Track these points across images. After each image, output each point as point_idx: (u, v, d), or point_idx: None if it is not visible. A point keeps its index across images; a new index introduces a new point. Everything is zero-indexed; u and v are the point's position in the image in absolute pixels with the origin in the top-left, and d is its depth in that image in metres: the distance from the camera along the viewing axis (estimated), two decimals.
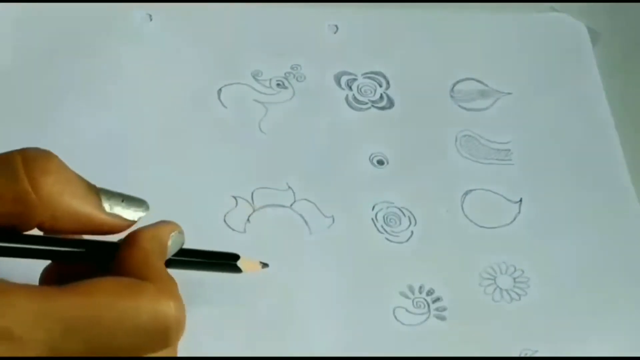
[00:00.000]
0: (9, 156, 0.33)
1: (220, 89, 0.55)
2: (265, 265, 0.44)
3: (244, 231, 0.49)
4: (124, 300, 0.32)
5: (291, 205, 0.51)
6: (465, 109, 0.56)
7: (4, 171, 0.33)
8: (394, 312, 0.47)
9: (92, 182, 0.43)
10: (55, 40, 0.56)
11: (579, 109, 0.56)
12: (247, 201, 0.50)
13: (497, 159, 0.54)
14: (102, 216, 0.36)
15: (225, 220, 0.49)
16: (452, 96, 0.56)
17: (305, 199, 0.51)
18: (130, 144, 0.52)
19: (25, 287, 0.30)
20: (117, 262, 0.35)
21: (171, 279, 0.35)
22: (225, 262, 0.43)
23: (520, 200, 0.52)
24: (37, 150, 0.34)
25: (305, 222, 0.50)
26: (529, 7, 0.61)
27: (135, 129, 0.53)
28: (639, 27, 0.61)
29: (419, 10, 0.60)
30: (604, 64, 0.59)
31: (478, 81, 0.57)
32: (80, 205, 0.35)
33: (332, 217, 0.50)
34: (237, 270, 0.43)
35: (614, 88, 0.57)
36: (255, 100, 0.55)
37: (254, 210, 0.50)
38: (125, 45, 0.56)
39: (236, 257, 0.43)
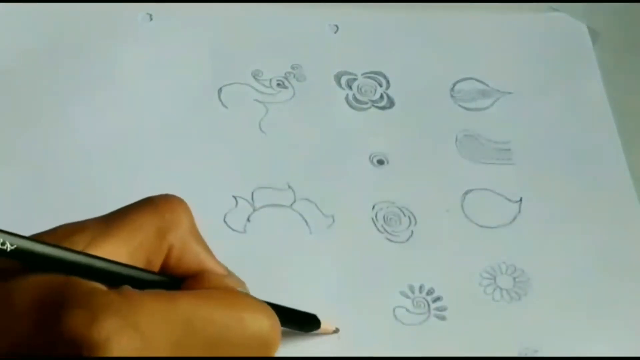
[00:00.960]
0: (148, 197, 0.36)
1: (220, 89, 0.55)
2: (336, 330, 0.45)
3: (244, 231, 0.49)
4: (240, 307, 0.34)
5: (291, 205, 0.51)
6: (465, 108, 0.56)
7: (146, 202, 0.36)
8: (394, 312, 0.47)
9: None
10: (55, 40, 0.56)
11: (579, 108, 0.56)
12: (247, 201, 0.50)
13: (497, 159, 0.54)
14: (219, 266, 0.38)
15: (225, 220, 0.49)
16: (452, 96, 0.56)
17: (306, 199, 0.51)
18: (130, 143, 0.52)
19: (151, 291, 0.32)
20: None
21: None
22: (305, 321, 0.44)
23: (520, 200, 0.52)
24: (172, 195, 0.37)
25: (305, 221, 0.50)
26: (529, 7, 0.61)
27: (135, 129, 0.53)
28: (639, 27, 0.61)
29: (419, 10, 0.60)
30: (604, 64, 0.59)
31: (478, 81, 0.57)
32: (204, 246, 0.37)
33: (332, 216, 0.50)
34: (316, 327, 0.44)
35: (614, 88, 0.57)
36: (256, 100, 0.55)
37: (254, 210, 0.50)
38: (125, 45, 0.56)
39: (316, 318, 0.45)
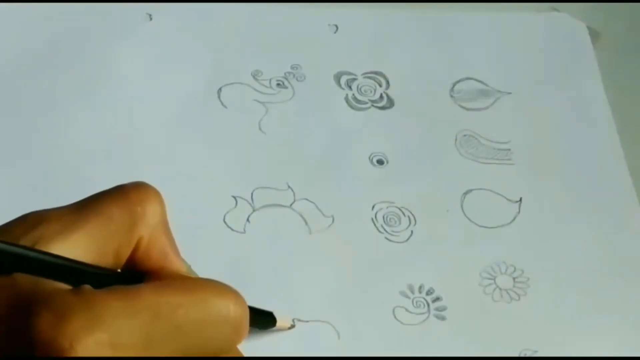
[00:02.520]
0: (120, 186, 0.36)
1: (220, 89, 0.55)
2: (292, 326, 0.46)
3: (244, 231, 0.49)
4: (202, 289, 0.33)
5: (291, 205, 0.51)
6: (465, 108, 0.56)
7: (118, 191, 0.35)
8: (393, 312, 0.47)
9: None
10: (54, 41, 0.56)
11: (579, 108, 0.56)
12: (247, 201, 0.50)
13: (497, 159, 0.54)
14: (181, 262, 0.37)
15: (225, 220, 0.49)
16: (452, 96, 0.56)
17: (305, 199, 0.51)
18: (130, 143, 0.52)
19: (111, 288, 0.32)
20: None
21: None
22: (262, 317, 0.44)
23: (520, 200, 0.52)
24: (144, 183, 0.36)
25: (305, 221, 0.50)
26: (529, 7, 0.61)
27: (134, 129, 0.53)
28: (639, 27, 0.61)
29: (419, 9, 0.60)
30: (604, 63, 0.59)
31: (478, 81, 0.57)
32: (171, 241, 0.37)
33: (332, 216, 0.50)
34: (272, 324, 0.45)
35: (614, 88, 0.57)
36: (255, 100, 0.55)
37: (253, 210, 0.50)
38: (124, 45, 0.56)
39: (272, 316, 0.45)
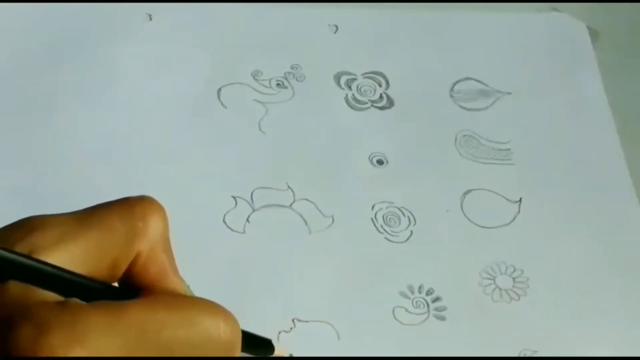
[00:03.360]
0: (125, 198, 0.36)
1: (220, 89, 0.55)
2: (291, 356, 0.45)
3: (244, 231, 0.49)
4: (192, 309, 0.33)
5: (291, 205, 0.51)
6: (465, 108, 0.56)
7: (121, 203, 0.35)
8: (393, 312, 0.47)
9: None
10: (54, 41, 0.56)
11: (579, 108, 0.56)
12: (247, 201, 0.50)
13: (497, 159, 0.54)
14: (179, 281, 0.37)
15: (224, 221, 0.49)
16: (452, 96, 0.56)
17: (305, 199, 0.51)
18: (130, 143, 0.52)
19: (99, 303, 0.32)
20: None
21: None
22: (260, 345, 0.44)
23: (520, 200, 0.52)
24: (150, 198, 0.36)
25: (305, 222, 0.50)
26: (529, 7, 0.61)
27: (134, 129, 0.53)
28: (639, 27, 0.61)
29: (419, 10, 0.60)
30: (604, 63, 0.59)
31: (478, 81, 0.57)
32: (170, 258, 0.36)
33: (332, 217, 0.50)
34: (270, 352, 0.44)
35: (614, 88, 0.57)
36: (255, 100, 0.55)
37: (253, 210, 0.50)
38: (124, 45, 0.56)
39: (271, 344, 0.44)
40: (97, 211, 0.35)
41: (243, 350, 0.40)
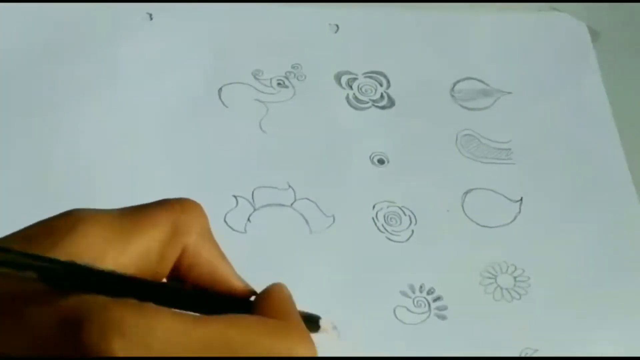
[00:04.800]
0: (163, 199, 0.36)
1: (220, 89, 0.55)
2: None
3: (245, 231, 0.49)
4: (264, 338, 0.33)
5: (292, 204, 0.51)
6: (465, 108, 0.56)
7: (160, 202, 0.36)
8: (394, 311, 0.47)
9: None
10: (55, 40, 0.56)
11: (580, 108, 0.56)
12: (248, 200, 0.50)
13: (497, 159, 0.54)
14: (236, 278, 0.37)
15: (225, 220, 0.49)
16: (452, 95, 0.56)
17: (306, 198, 0.51)
18: (131, 142, 0.52)
19: (172, 311, 0.32)
20: (256, 305, 0.36)
21: (298, 320, 0.36)
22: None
23: (521, 200, 0.52)
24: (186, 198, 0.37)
25: (306, 221, 0.50)
26: (530, 6, 0.61)
27: (135, 128, 0.53)
28: (639, 27, 0.61)
29: (420, 9, 0.60)
30: (604, 63, 0.59)
31: (479, 80, 0.57)
32: (216, 248, 0.37)
33: (333, 216, 0.50)
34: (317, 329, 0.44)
35: (614, 88, 0.57)
36: (256, 100, 0.55)
37: (254, 210, 0.50)
38: (125, 45, 0.56)
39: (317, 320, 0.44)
40: (140, 210, 0.35)
41: None
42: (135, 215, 0.34)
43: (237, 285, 0.37)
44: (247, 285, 0.37)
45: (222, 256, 0.37)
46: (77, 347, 0.30)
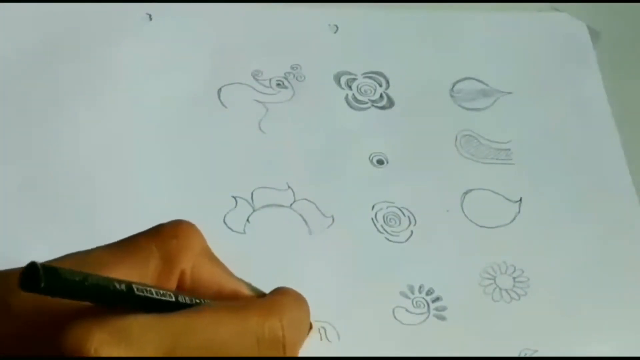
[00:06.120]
0: (156, 225, 0.36)
1: (220, 89, 0.55)
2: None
3: (244, 232, 0.49)
4: (231, 323, 0.34)
5: (291, 205, 0.51)
6: (465, 108, 0.56)
7: (152, 230, 0.36)
8: (393, 312, 0.47)
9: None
10: (54, 40, 0.56)
11: (579, 108, 0.56)
12: (247, 201, 0.50)
13: (497, 159, 0.54)
14: (245, 289, 0.37)
15: (224, 221, 0.49)
16: (452, 95, 0.56)
17: (305, 199, 0.51)
18: (130, 143, 0.52)
19: (143, 313, 0.32)
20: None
21: (284, 297, 0.36)
22: None
23: (520, 200, 0.52)
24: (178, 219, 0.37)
25: (305, 222, 0.50)
26: (530, 6, 0.61)
27: (134, 129, 0.53)
28: (639, 27, 0.61)
29: (419, 9, 0.60)
30: (604, 63, 0.59)
31: (478, 80, 0.57)
32: (219, 265, 0.37)
33: (332, 217, 0.50)
34: None
35: (614, 88, 0.57)
36: (256, 100, 0.55)
37: (253, 210, 0.50)
38: (125, 45, 0.56)
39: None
40: (131, 240, 0.35)
41: None
42: (125, 248, 0.34)
43: (247, 297, 0.37)
44: (259, 292, 0.37)
45: (226, 272, 0.36)
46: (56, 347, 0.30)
